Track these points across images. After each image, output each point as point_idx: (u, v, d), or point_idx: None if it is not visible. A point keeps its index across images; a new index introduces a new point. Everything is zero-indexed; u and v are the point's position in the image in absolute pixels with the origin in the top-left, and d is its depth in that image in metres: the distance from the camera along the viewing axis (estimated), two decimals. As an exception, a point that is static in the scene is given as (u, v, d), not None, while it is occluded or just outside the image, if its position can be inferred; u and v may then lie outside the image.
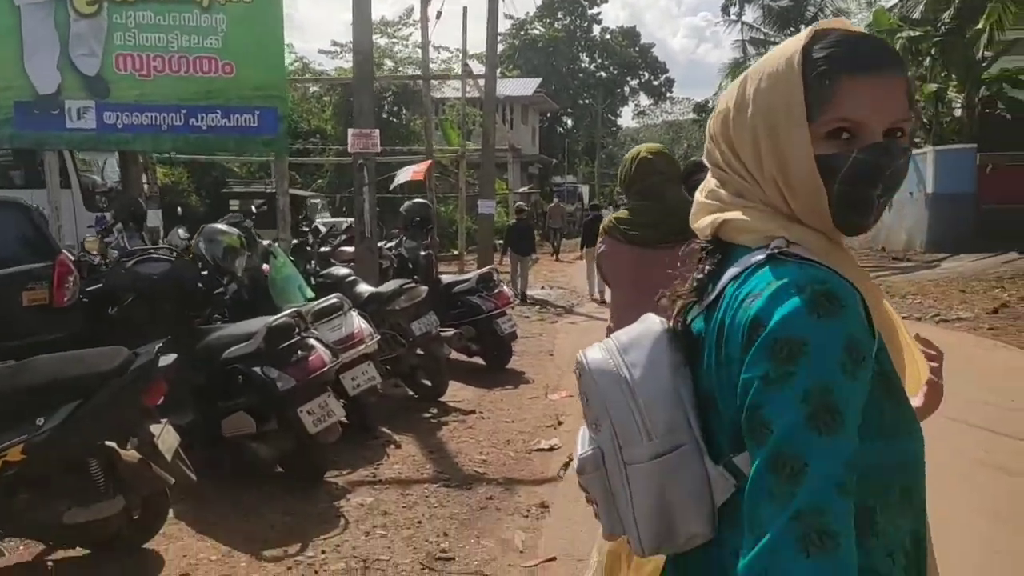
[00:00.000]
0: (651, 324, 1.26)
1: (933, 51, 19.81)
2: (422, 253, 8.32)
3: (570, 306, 12.86)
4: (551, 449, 5.33)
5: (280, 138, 9.15)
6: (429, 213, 8.44)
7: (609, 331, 3.19)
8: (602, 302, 13.89)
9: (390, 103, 33.04)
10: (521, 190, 39.32)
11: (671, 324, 1.24)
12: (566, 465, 4.76)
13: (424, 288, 6.41)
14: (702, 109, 54.02)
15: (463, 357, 7.87)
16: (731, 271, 1.13)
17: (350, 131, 9.56)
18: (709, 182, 1.30)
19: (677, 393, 1.16)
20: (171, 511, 4.15)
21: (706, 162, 1.32)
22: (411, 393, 6.65)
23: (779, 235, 1.11)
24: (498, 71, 54.33)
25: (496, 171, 35.71)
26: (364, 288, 6.63)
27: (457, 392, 6.78)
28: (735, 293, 1.09)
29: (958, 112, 21.35)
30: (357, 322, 5.62)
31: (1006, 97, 20.47)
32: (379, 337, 5.83)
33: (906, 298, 12.95)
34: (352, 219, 9.88)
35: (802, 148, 1.10)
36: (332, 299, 5.69)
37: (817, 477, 0.95)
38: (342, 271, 6.98)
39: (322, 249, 13.06)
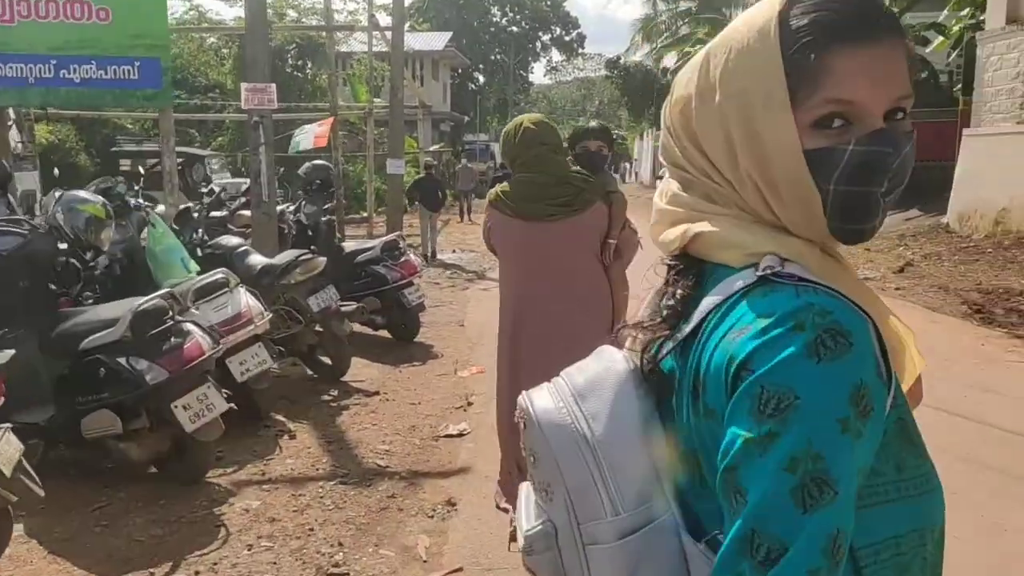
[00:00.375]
0: (612, 362, 1.03)
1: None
2: (323, 219, 7.74)
3: (482, 271, 12.45)
4: (459, 435, 4.94)
5: (164, 92, 8.36)
6: (329, 175, 7.85)
7: (502, 303, 3.38)
8: None
9: (294, 57, 31.63)
10: (432, 148, 38.49)
11: (637, 362, 1.00)
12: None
13: (322, 260, 5.86)
14: (613, 65, 53.88)
15: (369, 331, 7.40)
16: (710, 299, 0.91)
17: (243, 86, 8.83)
18: (669, 185, 1.05)
19: (648, 452, 0.95)
20: (20, 527, 3.61)
21: (663, 160, 1.06)
22: (310, 373, 6.16)
23: (768, 250, 0.90)
24: (407, 24, 53.12)
25: (406, 129, 34.96)
26: (256, 260, 6.05)
27: (361, 370, 6.31)
28: (716, 327, 0.88)
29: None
30: (245, 299, 5.08)
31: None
32: (271, 315, 5.30)
33: (815, 258, 13.03)
34: (254, 180, 9.19)
35: (786, 141, 0.88)
36: (217, 275, 5.12)
37: (797, 565, 0.77)
38: (233, 241, 6.36)
39: (214, 214, 12.35)
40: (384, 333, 7.44)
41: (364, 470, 4.42)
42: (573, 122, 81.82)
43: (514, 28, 64.76)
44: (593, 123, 4.01)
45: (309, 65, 33.34)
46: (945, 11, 20.39)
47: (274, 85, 8.86)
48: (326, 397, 5.72)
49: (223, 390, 4.35)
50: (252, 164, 8.92)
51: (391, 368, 6.45)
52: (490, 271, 12.53)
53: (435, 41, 46.04)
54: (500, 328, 3.43)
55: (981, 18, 19.55)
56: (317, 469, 4.47)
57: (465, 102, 54.80)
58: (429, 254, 14.09)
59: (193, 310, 4.73)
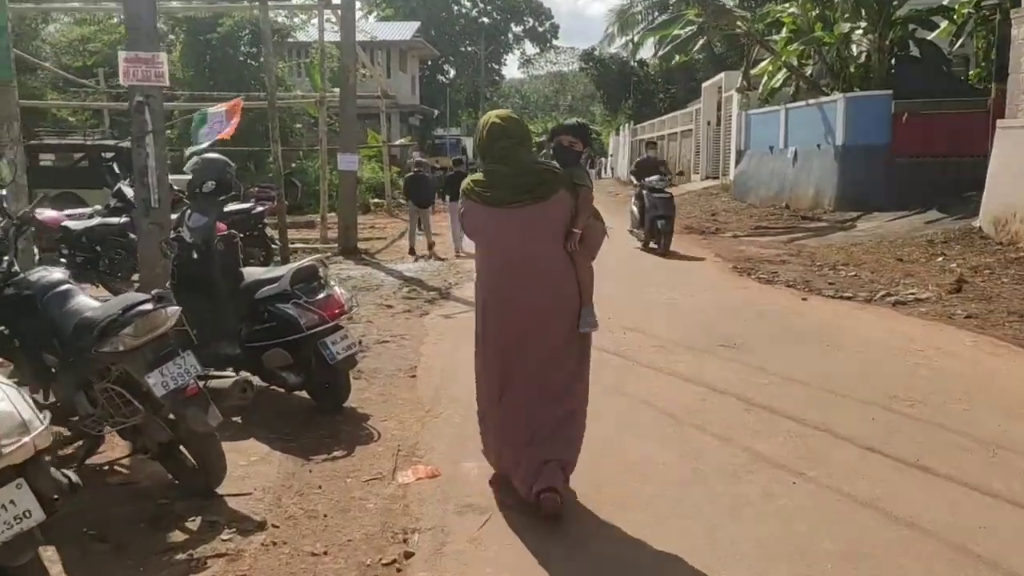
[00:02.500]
0: None
1: (845, -14, 18.00)
2: (218, 236, 5.58)
3: (446, 288, 10.33)
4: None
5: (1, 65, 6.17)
6: (227, 174, 5.70)
7: (477, 279, 3.88)
8: (467, 255, 13.95)
9: (247, 43, 29.26)
10: (399, 142, 36.22)
11: None
12: None
13: (171, 312, 3.66)
14: (589, 57, 51.99)
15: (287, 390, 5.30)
16: None
17: (121, 55, 6.69)
18: None
19: None
20: None
21: None
22: (172, 480, 4.02)
23: None
24: (370, 9, 49.76)
25: (370, 122, 32.67)
26: (81, 306, 3.89)
27: (251, 469, 4.19)
28: None
29: (863, 57, 19.76)
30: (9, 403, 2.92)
31: (917, 39, 19.03)
32: (50, 418, 3.07)
33: (838, 270, 11.07)
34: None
35: None
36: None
37: None
38: (54, 275, 4.16)
39: (110, 220, 10.12)
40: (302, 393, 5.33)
41: None
42: (547, 117, 79.93)
43: (485, 19, 62.59)
44: (571, 120, 4.24)
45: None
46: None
47: (164, 55, 6.79)
48: (173, 538, 3.53)
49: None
50: (136, 159, 6.78)
51: (298, 465, 4.31)
52: (457, 287, 10.42)
53: (402, 31, 43.80)
54: (476, 310, 3.91)
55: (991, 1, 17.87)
56: None
57: (435, 96, 52.50)
58: (426, 249, 14.18)
59: None
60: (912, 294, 8.93)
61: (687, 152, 32.14)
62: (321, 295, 5.03)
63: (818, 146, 19.11)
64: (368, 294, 9.81)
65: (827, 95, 19.38)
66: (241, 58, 28.95)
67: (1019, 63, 12.64)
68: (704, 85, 29.34)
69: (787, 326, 7.63)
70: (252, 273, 5.40)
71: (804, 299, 9.04)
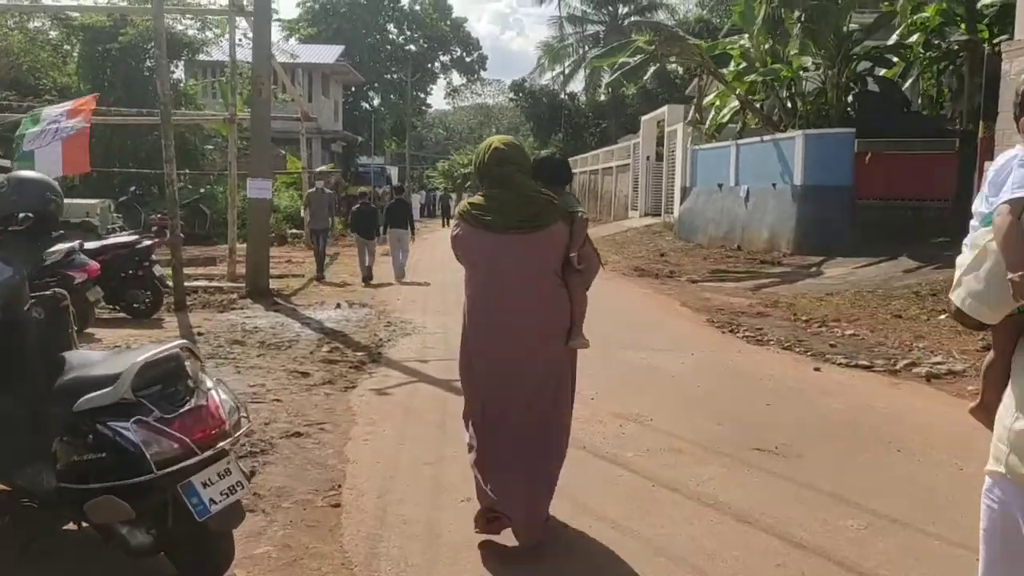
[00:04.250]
0: None
1: (803, 18, 16.95)
2: (32, 297, 3.56)
3: (376, 346, 8.40)
4: None
5: None
6: (51, 205, 3.71)
7: (467, 308, 3.70)
8: (409, 283, 14.69)
9: (153, 57, 26.75)
10: (321, 168, 34.02)
11: None
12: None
13: None
14: (519, 88, 50.86)
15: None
16: None
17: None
18: None
19: None
20: None
21: None
22: None
23: None
24: (293, 34, 48.04)
25: (290, 147, 30.43)
26: None
27: None
28: None
29: (818, 94, 18.78)
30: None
31: (875, 77, 18.17)
32: None
33: (830, 327, 9.61)
34: None
35: None
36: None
37: None
38: None
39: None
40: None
41: None
42: (472, 149, 78.55)
43: (412, 47, 60.92)
44: (550, 152, 4.76)
45: (175, 67, 28.51)
46: (895, 36, 17.90)
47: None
48: None
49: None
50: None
51: None
52: (389, 345, 8.50)
53: (326, 54, 41.71)
54: (462, 336, 3.74)
55: (945, 41, 17.16)
56: None
57: (359, 124, 50.38)
58: (366, 277, 14.57)
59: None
60: (940, 364, 7.45)
61: (624, 187, 30.95)
62: (187, 406, 3.06)
63: (773, 185, 17.95)
64: (278, 354, 7.80)
65: (781, 132, 18.28)
66: (147, 73, 26.40)
67: (1008, 100, 11.57)
68: (643, 119, 28.23)
69: (821, 413, 5.98)
70: (82, 360, 3.38)
71: (817, 369, 7.46)
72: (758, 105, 19.58)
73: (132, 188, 22.18)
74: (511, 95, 54.51)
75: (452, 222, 3.85)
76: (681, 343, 8.70)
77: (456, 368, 3.84)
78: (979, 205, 2.25)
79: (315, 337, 8.82)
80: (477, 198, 3.67)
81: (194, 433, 3.00)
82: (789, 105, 18.67)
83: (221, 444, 3.09)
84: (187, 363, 3.24)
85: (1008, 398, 2.14)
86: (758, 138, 18.66)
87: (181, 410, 3.04)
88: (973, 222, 2.26)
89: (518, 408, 3.61)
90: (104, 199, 17.39)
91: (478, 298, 3.66)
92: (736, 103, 20.47)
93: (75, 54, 26.82)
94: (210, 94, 32.59)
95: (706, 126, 19.83)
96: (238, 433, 3.26)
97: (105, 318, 9.82)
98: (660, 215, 25.54)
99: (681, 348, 8.40)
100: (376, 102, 59.27)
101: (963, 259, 2.20)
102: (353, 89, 50.82)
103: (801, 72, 17.45)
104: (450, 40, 62.61)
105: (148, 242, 9.85)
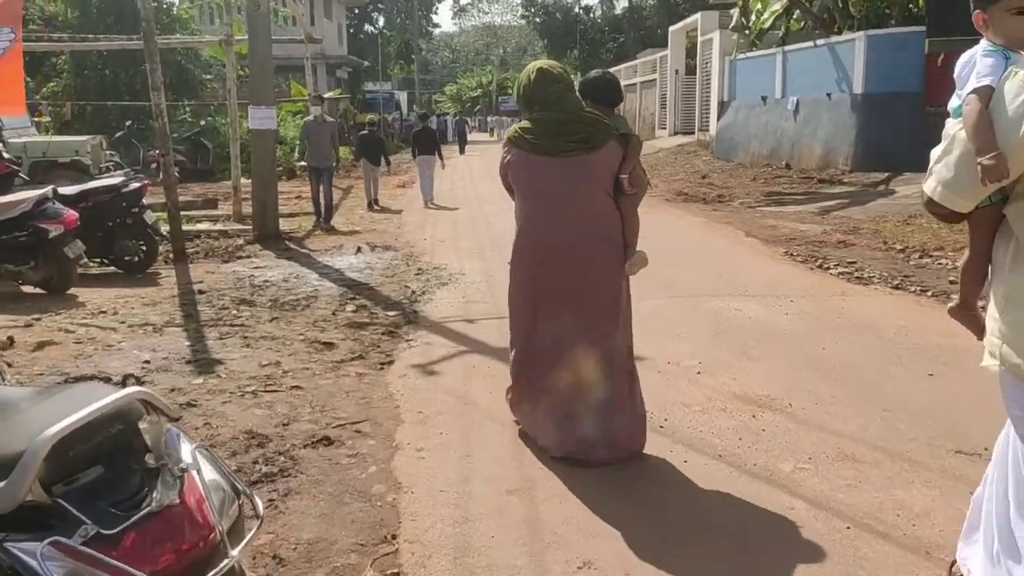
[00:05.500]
0: None
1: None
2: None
3: (411, 302, 7.06)
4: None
5: None
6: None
7: (518, 234, 3.68)
8: (436, 207, 14.65)
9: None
10: (328, 95, 32.23)
11: None
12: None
13: None
14: (531, 3, 48.03)
15: None
16: None
17: None
18: None
19: None
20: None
21: None
22: None
23: None
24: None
25: (294, 74, 28.61)
26: None
27: None
28: None
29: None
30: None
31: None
32: None
33: (934, 257, 8.21)
34: None
35: None
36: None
37: None
38: None
39: None
40: None
41: None
42: (481, 71, 75.79)
43: (416, -38, 57.83)
44: (597, 72, 4.07)
45: (164, -10, 26.53)
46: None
47: None
48: None
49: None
50: None
51: None
52: (426, 299, 7.17)
53: (327, -27, 39.36)
54: (513, 260, 3.72)
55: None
56: None
57: (363, 49, 48.05)
58: (373, 201, 14.68)
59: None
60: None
61: (650, 105, 29.07)
62: (144, 507, 1.70)
63: (828, 95, 16.22)
64: (294, 317, 6.48)
65: (836, 34, 16.45)
66: (135, -4, 24.52)
67: None
68: (671, 29, 26.18)
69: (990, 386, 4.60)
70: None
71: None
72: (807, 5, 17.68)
73: (128, 123, 20.68)
74: (522, 11, 51.80)
75: (502, 147, 3.73)
76: (770, 286, 7.31)
77: None
78: (953, 102, 2.23)
79: (336, 292, 7.47)
80: (526, 123, 3.60)
81: (159, 558, 1.66)
82: (841, 4, 16.75)
83: (213, 570, 1.74)
84: (143, 428, 1.85)
85: (995, 293, 2.12)
86: (810, 43, 16.83)
87: (135, 516, 1.69)
88: (948, 121, 2.20)
89: (571, 324, 3.57)
90: (95, 135, 15.86)
91: (533, 221, 3.60)
92: (778, 5, 18.57)
93: (59, -22, 24.88)
94: (208, 18, 30.61)
95: (750, 32, 17.95)
96: (242, 543, 1.86)
97: (94, 274, 8.52)
98: (693, 133, 23.79)
99: (773, 293, 7.01)
100: (381, 24, 56.71)
101: (936, 150, 2.18)
102: (356, 11, 48.41)
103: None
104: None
105: (136, 184, 8.45)
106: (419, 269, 8.53)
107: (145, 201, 8.57)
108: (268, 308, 6.82)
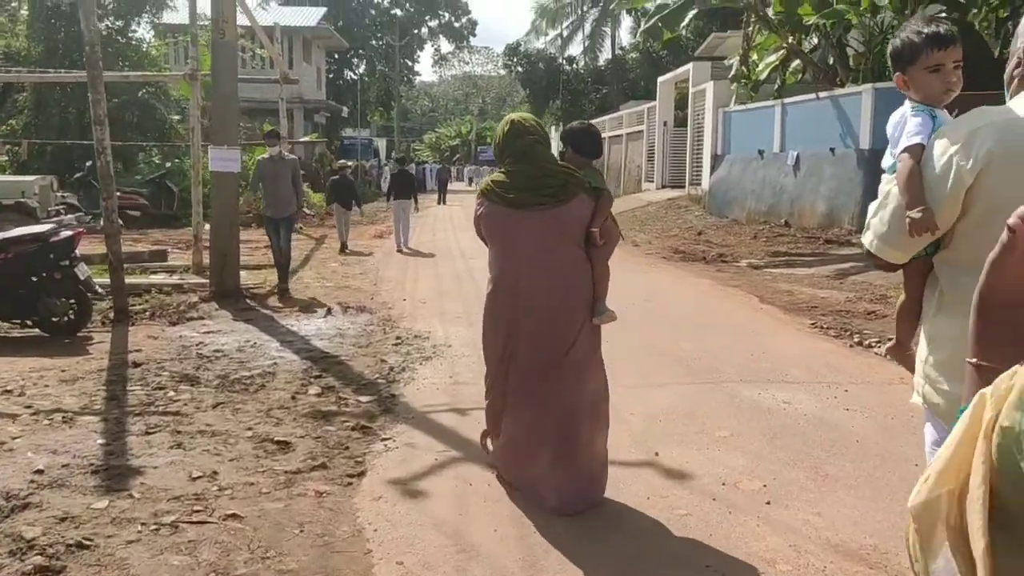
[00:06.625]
0: None
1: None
2: None
3: (388, 381, 5.86)
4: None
5: None
6: None
7: (492, 285, 3.74)
8: (410, 252, 14.65)
9: (113, 13, 23.80)
10: (304, 139, 31.26)
11: None
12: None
13: None
14: (514, 52, 47.58)
15: None
16: None
17: None
18: None
19: None
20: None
21: None
22: None
23: None
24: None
25: (269, 118, 27.55)
26: None
27: None
28: None
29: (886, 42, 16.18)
30: None
31: (952, 20, 15.53)
32: None
33: None
34: None
35: None
36: None
37: None
38: None
39: None
40: None
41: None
42: (459, 120, 75.45)
43: (398, 11, 57.52)
44: (581, 123, 4.18)
45: (136, 27, 25.58)
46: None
47: None
48: None
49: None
50: None
51: None
52: (405, 377, 5.98)
53: (307, 16, 38.62)
54: (486, 311, 3.77)
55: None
56: None
57: (342, 95, 47.23)
58: (344, 244, 14.75)
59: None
60: None
61: (636, 157, 28.33)
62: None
63: (832, 150, 15.41)
64: (244, 402, 5.26)
65: (839, 87, 15.72)
66: (105, 32, 23.47)
67: None
68: (661, 80, 25.53)
69: None
70: None
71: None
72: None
73: (89, 163, 19.43)
74: (505, 60, 51.30)
75: (475, 200, 3.80)
76: (812, 370, 6.20)
77: None
78: (886, 160, 2.36)
79: (299, 367, 6.26)
80: (498, 175, 3.68)
81: None
82: (860, 52, 16.04)
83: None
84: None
85: (922, 336, 2.20)
86: (812, 95, 16.07)
87: None
88: (883, 177, 2.33)
89: (543, 376, 3.61)
90: (45, 176, 14.63)
91: (503, 273, 3.69)
92: (774, 57, 17.88)
93: (23, 11, 23.86)
94: (181, 57, 29.65)
95: (749, 82, 17.18)
96: None
97: (15, 337, 7.25)
98: (683, 187, 22.94)
99: (819, 379, 5.91)
100: (361, 70, 56.00)
101: (872, 205, 2.29)
102: (336, 56, 47.77)
103: (867, 16, 14.78)
104: (438, 3, 59.30)
105: (67, 232, 7.22)
106: (398, 337, 7.34)
107: (79, 252, 7.34)
108: (214, 388, 5.60)
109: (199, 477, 3.98)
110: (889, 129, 2.36)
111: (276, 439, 4.55)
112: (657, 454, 4.34)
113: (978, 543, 0.74)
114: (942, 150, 2.08)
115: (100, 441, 4.47)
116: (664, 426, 4.81)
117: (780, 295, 9.70)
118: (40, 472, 3.97)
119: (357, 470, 4.16)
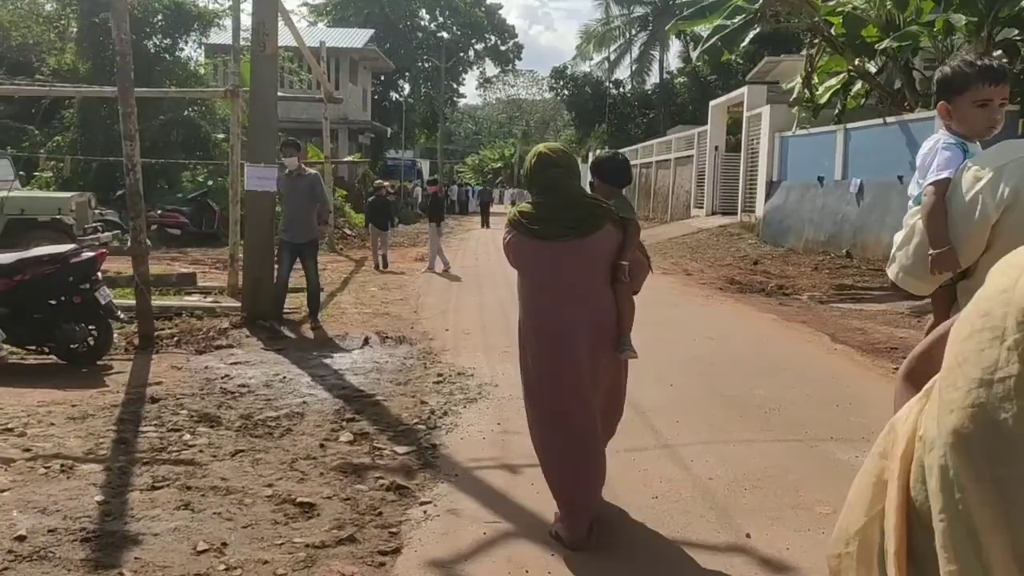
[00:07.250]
0: None
1: (946, -27, 13.49)
2: None
3: (428, 428, 5.24)
4: None
5: None
6: None
7: (522, 313, 3.73)
8: (441, 273, 14.61)
9: (160, 32, 23.80)
10: (348, 159, 31.04)
11: None
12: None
13: None
14: (560, 75, 47.21)
15: None
16: None
17: None
18: None
19: None
20: None
21: None
22: None
23: None
24: (320, 18, 45.21)
25: (310, 137, 27.34)
26: None
27: None
28: None
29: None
30: None
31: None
32: None
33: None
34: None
35: None
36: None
37: None
38: None
39: None
40: None
41: None
42: (503, 144, 75.31)
43: (445, 34, 57.63)
44: (610, 152, 4.25)
45: (183, 44, 25.53)
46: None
47: None
48: None
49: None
50: None
51: None
52: (448, 423, 5.33)
53: (354, 38, 38.63)
54: (520, 338, 3.77)
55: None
56: None
57: (387, 116, 47.23)
58: (380, 264, 15.23)
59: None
60: None
61: (684, 183, 27.55)
62: None
63: (899, 178, 14.49)
64: (267, 449, 4.65)
65: (908, 111, 14.87)
66: (153, 50, 23.47)
67: None
68: (713, 104, 24.79)
69: None
70: None
71: None
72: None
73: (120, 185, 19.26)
74: (552, 82, 50.86)
75: (504, 228, 3.76)
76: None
77: None
78: (912, 189, 2.40)
79: (331, 407, 5.65)
80: (525, 205, 3.70)
81: None
82: (926, 78, 15.19)
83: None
84: None
85: None
86: (878, 120, 15.22)
87: None
88: (909, 204, 2.35)
89: (575, 407, 3.59)
90: (83, 192, 14.35)
91: (531, 303, 3.70)
92: (835, 80, 17.07)
93: (69, 25, 23.94)
94: (228, 78, 29.67)
95: (812, 106, 16.37)
96: None
97: (30, 364, 6.76)
98: (735, 214, 22.11)
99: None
100: (406, 92, 56.07)
101: (898, 236, 2.32)
102: (383, 77, 47.82)
103: (940, 38, 13.94)
104: (485, 27, 59.31)
105: (89, 253, 6.73)
106: (439, 374, 6.71)
107: (100, 274, 6.85)
108: (235, 431, 5.01)
109: (205, 551, 3.36)
110: (919, 158, 2.36)
111: (299, 500, 3.92)
112: (749, 535, 3.62)
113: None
114: (969, 185, 2.08)
115: (98, 498, 3.88)
116: (753, 497, 4.09)
117: (853, 334, 8.89)
118: (22, 539, 3.39)
119: (391, 545, 3.51)
